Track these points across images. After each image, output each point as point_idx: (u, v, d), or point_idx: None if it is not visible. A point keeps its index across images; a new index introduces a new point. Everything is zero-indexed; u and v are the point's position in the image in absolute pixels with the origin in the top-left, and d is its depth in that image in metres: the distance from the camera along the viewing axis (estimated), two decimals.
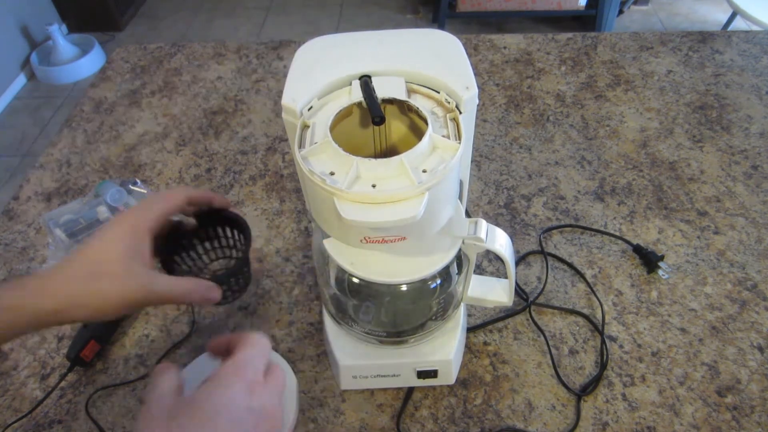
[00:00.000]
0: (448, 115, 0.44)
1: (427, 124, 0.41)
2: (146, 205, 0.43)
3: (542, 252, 0.73)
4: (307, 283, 0.71)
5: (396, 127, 0.47)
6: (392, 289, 0.55)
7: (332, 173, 0.39)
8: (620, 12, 2.77)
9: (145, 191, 0.82)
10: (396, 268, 0.46)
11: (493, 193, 0.81)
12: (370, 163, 0.39)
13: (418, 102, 0.44)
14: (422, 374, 0.58)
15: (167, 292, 0.42)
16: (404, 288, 0.54)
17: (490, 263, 0.73)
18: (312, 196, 0.43)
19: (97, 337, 0.63)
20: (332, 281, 0.56)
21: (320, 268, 0.56)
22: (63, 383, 0.62)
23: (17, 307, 0.38)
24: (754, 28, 1.92)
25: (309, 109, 0.44)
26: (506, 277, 0.55)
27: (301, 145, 0.42)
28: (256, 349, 0.38)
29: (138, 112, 0.98)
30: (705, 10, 2.83)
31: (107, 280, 0.39)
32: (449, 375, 0.59)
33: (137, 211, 0.43)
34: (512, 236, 0.75)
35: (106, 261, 0.40)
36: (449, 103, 0.44)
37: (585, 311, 0.67)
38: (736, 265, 0.71)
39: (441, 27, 2.63)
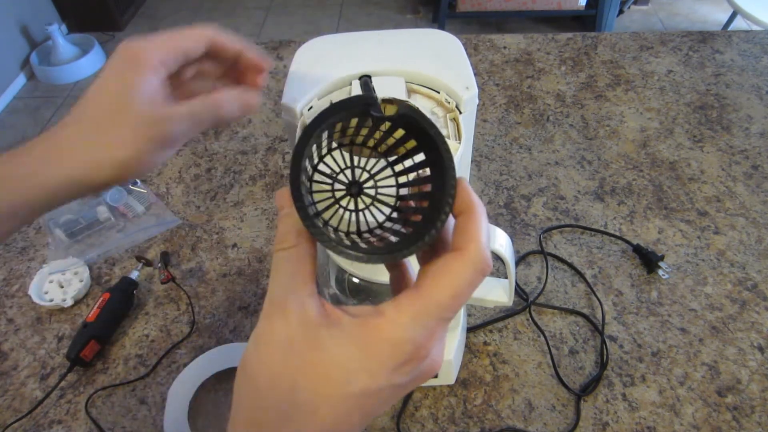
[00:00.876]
0: (448, 115, 0.44)
1: None
2: (155, 37, 0.36)
3: (542, 252, 0.73)
4: None
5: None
6: None
7: None
8: (620, 12, 2.77)
9: (145, 191, 0.82)
10: None
11: (493, 193, 0.81)
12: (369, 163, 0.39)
13: (418, 102, 0.44)
14: None
15: (189, 117, 0.36)
16: None
17: None
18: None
19: (97, 337, 0.63)
20: (332, 281, 0.56)
21: (320, 268, 0.56)
22: (63, 383, 0.62)
23: (25, 178, 0.34)
24: (754, 28, 1.92)
25: (309, 109, 0.44)
26: (506, 277, 0.55)
27: None
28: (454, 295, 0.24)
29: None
30: (705, 10, 2.83)
31: (117, 127, 0.34)
32: (449, 375, 0.59)
33: (140, 41, 0.36)
34: (512, 236, 0.75)
35: (109, 104, 0.34)
36: (449, 103, 0.44)
37: (585, 311, 0.67)
38: (736, 265, 0.71)
39: (441, 27, 2.63)
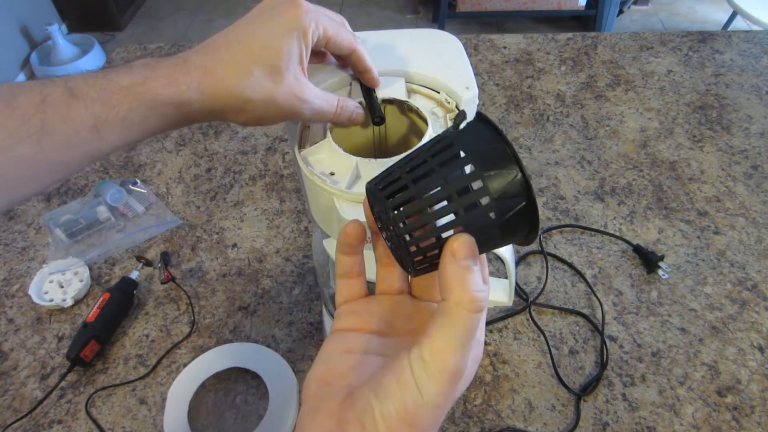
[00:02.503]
0: (448, 115, 0.44)
1: (427, 124, 0.41)
2: (316, 11, 0.38)
3: (542, 252, 0.73)
4: (307, 283, 0.71)
5: (396, 127, 0.47)
6: None
7: (332, 173, 0.40)
8: (620, 12, 2.78)
9: (145, 191, 0.82)
10: None
11: None
12: (370, 163, 0.39)
13: (418, 102, 0.44)
14: None
15: (317, 106, 0.39)
16: None
17: (490, 263, 0.73)
18: (312, 196, 0.43)
19: (97, 337, 0.63)
20: (332, 281, 0.56)
21: (320, 268, 0.56)
22: (63, 383, 0.62)
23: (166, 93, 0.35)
24: (754, 28, 1.92)
25: None
26: (506, 277, 0.55)
27: (301, 146, 0.42)
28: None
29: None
30: (705, 10, 2.83)
31: (263, 76, 0.36)
32: None
33: (304, 11, 0.38)
34: None
35: (269, 53, 0.36)
36: (449, 103, 0.44)
37: (585, 311, 0.67)
38: (736, 265, 0.71)
39: (441, 27, 2.63)
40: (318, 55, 0.45)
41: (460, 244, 0.24)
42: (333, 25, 0.40)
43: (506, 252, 0.49)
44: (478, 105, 0.45)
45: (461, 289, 0.24)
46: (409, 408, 0.24)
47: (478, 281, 0.24)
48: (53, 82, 0.34)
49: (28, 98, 0.34)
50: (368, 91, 0.43)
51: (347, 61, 0.43)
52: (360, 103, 0.44)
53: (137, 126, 0.36)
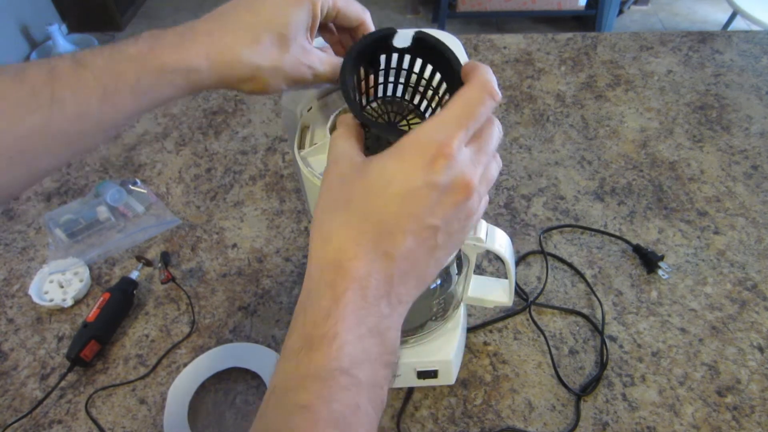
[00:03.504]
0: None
1: None
2: None
3: (542, 252, 0.73)
4: None
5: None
6: None
7: None
8: (620, 12, 2.77)
9: (145, 191, 0.82)
10: None
11: (493, 193, 0.81)
12: None
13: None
14: (422, 374, 0.58)
15: (322, 71, 0.39)
16: None
17: (490, 263, 0.73)
18: (312, 197, 0.43)
19: (97, 337, 0.63)
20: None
21: None
22: (63, 383, 0.62)
23: (166, 61, 0.35)
24: (754, 28, 1.91)
25: (309, 110, 0.44)
26: (506, 277, 0.55)
27: (301, 146, 0.42)
28: (465, 106, 0.30)
29: (136, 117, 0.98)
30: (705, 10, 2.83)
31: (271, 44, 0.37)
32: (449, 375, 0.59)
33: None
34: (512, 236, 0.75)
35: (277, 21, 0.37)
36: None
37: (585, 311, 0.67)
38: (736, 265, 0.71)
39: (441, 27, 2.63)
40: (327, 31, 0.44)
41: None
42: None
43: (506, 252, 0.49)
44: None
45: (484, 75, 0.30)
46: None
47: (491, 74, 0.30)
48: (61, 57, 0.35)
49: (37, 71, 0.34)
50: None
51: (354, 36, 0.43)
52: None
53: (147, 95, 0.36)
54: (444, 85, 0.35)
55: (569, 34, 1.10)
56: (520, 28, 2.82)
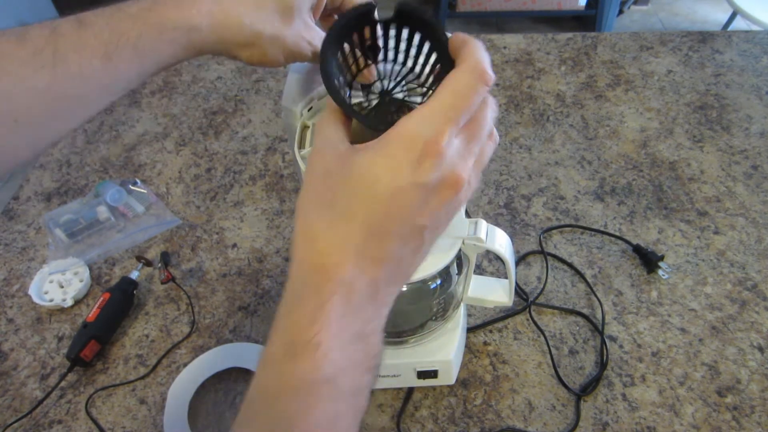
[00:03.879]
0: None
1: None
2: None
3: (542, 252, 0.73)
4: None
5: None
6: None
7: None
8: (620, 12, 2.77)
9: (145, 191, 0.82)
10: None
11: (493, 193, 0.81)
12: None
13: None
14: (422, 374, 0.58)
15: (316, 48, 0.39)
16: (404, 288, 0.54)
17: (490, 263, 0.73)
18: None
19: (97, 337, 0.63)
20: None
21: None
22: (63, 383, 0.62)
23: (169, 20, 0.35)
24: (754, 28, 1.91)
25: (309, 110, 0.44)
26: (506, 277, 0.55)
27: (301, 146, 0.42)
28: (457, 93, 0.27)
29: (138, 111, 0.98)
30: (705, 10, 2.83)
31: (275, 12, 0.37)
32: (449, 375, 0.59)
33: None
34: (512, 236, 0.75)
35: None
36: None
37: (585, 311, 0.67)
38: (736, 265, 0.71)
39: None
40: (328, 21, 0.44)
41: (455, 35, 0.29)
42: None
43: (506, 252, 0.49)
44: None
45: (476, 57, 0.27)
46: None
47: (482, 51, 0.28)
48: (64, 18, 0.35)
49: (39, 31, 0.34)
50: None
51: None
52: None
53: (148, 53, 0.36)
54: (435, 55, 0.33)
55: (569, 34, 1.10)
56: (520, 28, 2.82)
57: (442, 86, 0.27)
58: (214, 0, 0.37)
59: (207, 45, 0.37)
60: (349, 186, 0.28)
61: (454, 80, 0.27)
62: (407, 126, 0.27)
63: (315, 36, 0.40)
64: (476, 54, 0.28)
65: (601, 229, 0.75)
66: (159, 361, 0.64)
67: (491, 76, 0.27)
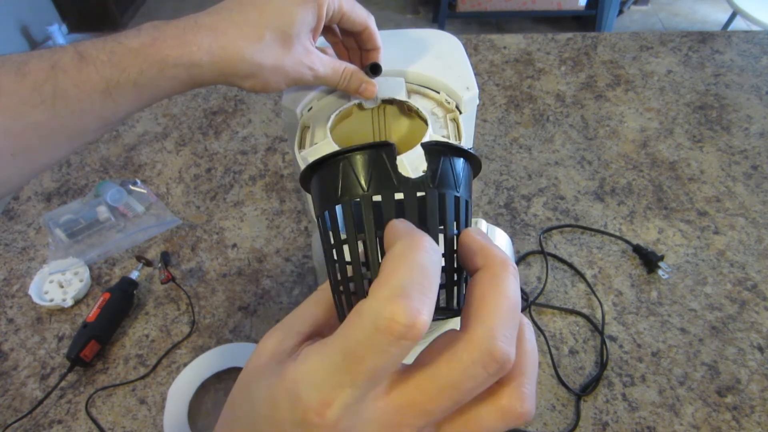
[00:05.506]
0: (448, 115, 0.44)
1: (427, 124, 0.41)
2: None
3: (542, 252, 0.73)
4: (307, 283, 0.71)
5: (396, 127, 0.47)
6: None
7: None
8: (620, 12, 2.78)
9: (145, 191, 0.82)
10: None
11: (493, 193, 0.81)
12: None
13: (418, 102, 0.44)
14: None
15: (322, 74, 0.39)
16: None
17: None
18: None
19: (97, 337, 0.63)
20: None
21: (320, 268, 0.56)
22: (63, 383, 0.62)
23: (171, 56, 0.35)
24: (754, 28, 1.92)
25: (309, 110, 0.44)
26: None
27: (301, 146, 0.42)
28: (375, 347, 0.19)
29: (138, 111, 0.98)
30: (705, 10, 2.83)
31: (274, 42, 0.36)
32: None
33: None
34: (512, 236, 0.75)
35: (281, 20, 0.37)
36: (449, 103, 0.44)
37: (585, 311, 0.67)
38: (736, 265, 0.71)
39: (441, 27, 2.63)
40: (330, 33, 0.44)
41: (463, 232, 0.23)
42: (348, 1, 0.40)
43: (506, 252, 0.49)
44: (478, 105, 0.45)
45: (490, 332, 0.19)
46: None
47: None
48: (63, 49, 0.35)
49: (39, 65, 0.34)
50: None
51: (357, 40, 0.43)
52: (360, 104, 0.44)
53: (148, 89, 0.36)
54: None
55: (569, 34, 1.10)
56: (520, 28, 2.82)
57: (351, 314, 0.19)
58: (214, 34, 0.36)
59: (207, 79, 0.38)
60: (239, 423, 0.23)
61: (362, 308, 0.19)
62: (296, 374, 0.20)
63: (315, 60, 0.39)
64: (495, 320, 0.18)
65: (601, 229, 0.75)
66: (159, 361, 0.64)
67: (508, 358, 0.18)
